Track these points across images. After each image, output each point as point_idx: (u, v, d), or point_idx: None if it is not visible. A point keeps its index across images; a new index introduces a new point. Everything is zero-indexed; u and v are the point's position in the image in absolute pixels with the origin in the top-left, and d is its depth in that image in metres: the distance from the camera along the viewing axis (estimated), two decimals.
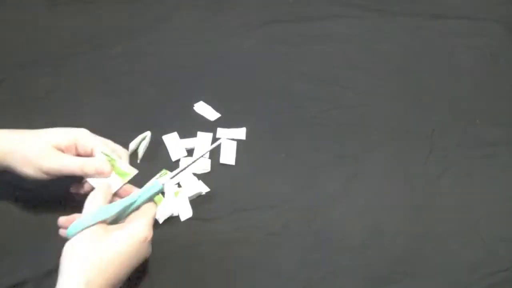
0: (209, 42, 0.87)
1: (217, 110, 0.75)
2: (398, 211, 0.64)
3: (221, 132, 0.72)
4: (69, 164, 0.56)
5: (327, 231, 0.61)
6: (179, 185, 0.66)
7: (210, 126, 0.72)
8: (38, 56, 0.84)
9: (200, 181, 0.66)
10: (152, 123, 0.72)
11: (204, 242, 0.60)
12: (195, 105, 0.76)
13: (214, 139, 0.71)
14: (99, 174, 0.56)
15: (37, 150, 0.55)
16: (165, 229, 0.61)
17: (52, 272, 0.55)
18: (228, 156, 0.69)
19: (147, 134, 0.70)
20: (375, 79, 0.81)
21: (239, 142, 0.71)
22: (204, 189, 0.65)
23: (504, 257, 0.59)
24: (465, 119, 0.75)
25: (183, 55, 0.85)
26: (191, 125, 0.72)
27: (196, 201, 0.64)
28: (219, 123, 0.74)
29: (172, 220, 0.62)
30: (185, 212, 0.63)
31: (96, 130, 0.71)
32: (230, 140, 0.71)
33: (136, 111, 0.75)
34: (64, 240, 0.50)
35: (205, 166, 0.67)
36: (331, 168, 0.68)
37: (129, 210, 0.53)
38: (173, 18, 0.92)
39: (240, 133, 0.72)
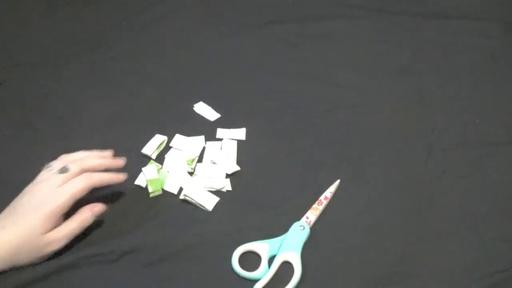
0: (208, 42, 0.87)
1: (217, 110, 0.75)
2: (398, 211, 0.64)
3: (221, 132, 0.72)
4: (70, 233, 0.55)
5: (327, 231, 0.61)
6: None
7: (210, 127, 0.73)
8: (38, 56, 0.84)
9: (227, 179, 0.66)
10: (152, 124, 0.72)
11: (203, 243, 0.60)
12: (195, 105, 0.76)
13: (214, 140, 0.71)
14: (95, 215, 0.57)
15: (35, 243, 0.53)
16: (162, 230, 0.61)
17: (49, 276, 0.55)
18: (231, 164, 0.68)
19: (164, 139, 0.70)
20: (375, 79, 0.81)
21: (239, 142, 0.71)
22: (227, 186, 0.66)
23: (503, 257, 0.59)
24: (465, 119, 0.75)
25: (183, 56, 0.85)
26: (191, 126, 0.72)
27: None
28: (219, 123, 0.74)
29: (170, 221, 0.62)
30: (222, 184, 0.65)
31: (96, 130, 0.72)
32: (230, 140, 0.71)
33: (136, 112, 0.75)
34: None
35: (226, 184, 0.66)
36: (331, 168, 0.68)
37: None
38: (173, 18, 0.92)
39: (240, 133, 0.72)
